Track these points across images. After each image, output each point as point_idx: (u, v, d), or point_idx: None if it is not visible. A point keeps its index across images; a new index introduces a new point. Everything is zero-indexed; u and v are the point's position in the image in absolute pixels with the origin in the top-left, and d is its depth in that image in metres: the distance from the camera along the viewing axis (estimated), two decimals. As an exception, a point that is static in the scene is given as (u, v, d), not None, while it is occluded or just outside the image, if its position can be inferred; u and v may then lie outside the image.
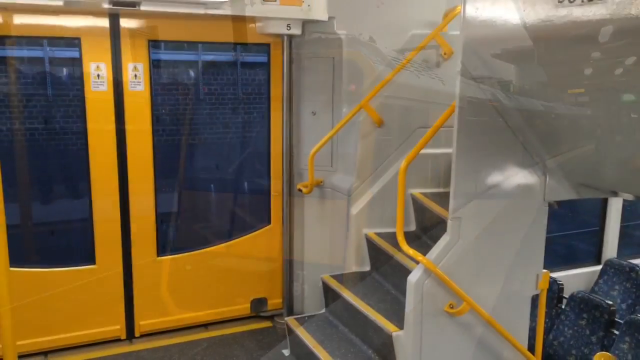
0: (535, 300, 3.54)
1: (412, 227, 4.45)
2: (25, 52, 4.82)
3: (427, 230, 4.27)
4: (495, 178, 3.23)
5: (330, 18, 4.41)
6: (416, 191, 4.43)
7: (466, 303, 3.22)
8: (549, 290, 3.99)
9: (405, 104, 4.41)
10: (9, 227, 5.01)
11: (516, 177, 3.26)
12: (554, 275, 4.73)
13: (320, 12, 4.35)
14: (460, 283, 3.23)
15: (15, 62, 4.57)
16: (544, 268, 3.49)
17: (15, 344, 3.12)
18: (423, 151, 4.26)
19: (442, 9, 4.63)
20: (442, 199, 4.01)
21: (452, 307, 3.25)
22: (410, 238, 4.28)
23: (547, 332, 4.46)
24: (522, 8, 2.46)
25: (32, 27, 4.00)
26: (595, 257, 5.91)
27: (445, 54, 4.39)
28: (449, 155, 3.24)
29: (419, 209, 4.35)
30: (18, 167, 4.74)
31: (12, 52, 4.57)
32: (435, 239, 3.35)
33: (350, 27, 4.45)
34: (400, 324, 3.45)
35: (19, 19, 3.94)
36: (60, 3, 3.62)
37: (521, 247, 3.37)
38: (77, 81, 4.17)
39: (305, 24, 4.50)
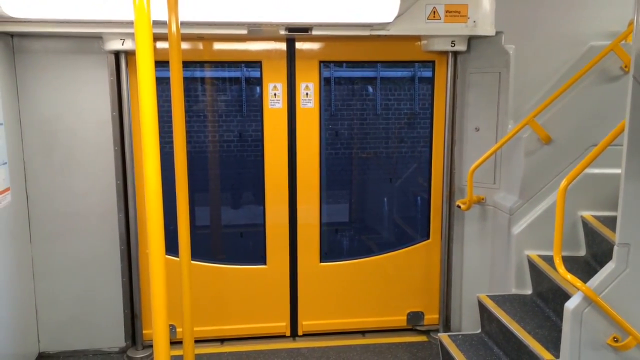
0: None
1: (582, 252, 4.14)
2: (219, 73, 5.56)
3: (598, 256, 3.94)
4: (671, 202, 2.90)
5: (497, 33, 4.32)
6: (587, 213, 4.12)
7: (632, 337, 2.93)
8: None
9: (577, 120, 4.14)
10: (200, 228, 5.78)
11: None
12: None
13: (486, 28, 4.29)
14: (626, 315, 2.95)
15: (212, 82, 5.30)
16: None
17: (192, 329, 3.59)
18: (599, 171, 4.00)
19: (627, 18, 4.29)
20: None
21: (616, 341, 2.99)
22: (579, 264, 4.01)
23: None
24: None
25: (224, 52, 4.59)
26: None
27: (626, 66, 4.04)
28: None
29: (590, 233, 4.04)
30: (211, 175, 5.46)
31: (211, 73, 5.30)
32: (606, 266, 3.11)
33: (519, 41, 4.32)
34: (557, 353, 3.27)
35: (213, 46, 4.55)
36: (245, 32, 4.12)
37: None
38: (259, 99, 4.67)
39: (471, 39, 4.48)
